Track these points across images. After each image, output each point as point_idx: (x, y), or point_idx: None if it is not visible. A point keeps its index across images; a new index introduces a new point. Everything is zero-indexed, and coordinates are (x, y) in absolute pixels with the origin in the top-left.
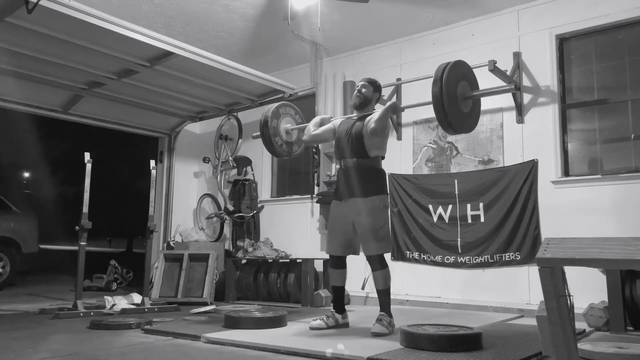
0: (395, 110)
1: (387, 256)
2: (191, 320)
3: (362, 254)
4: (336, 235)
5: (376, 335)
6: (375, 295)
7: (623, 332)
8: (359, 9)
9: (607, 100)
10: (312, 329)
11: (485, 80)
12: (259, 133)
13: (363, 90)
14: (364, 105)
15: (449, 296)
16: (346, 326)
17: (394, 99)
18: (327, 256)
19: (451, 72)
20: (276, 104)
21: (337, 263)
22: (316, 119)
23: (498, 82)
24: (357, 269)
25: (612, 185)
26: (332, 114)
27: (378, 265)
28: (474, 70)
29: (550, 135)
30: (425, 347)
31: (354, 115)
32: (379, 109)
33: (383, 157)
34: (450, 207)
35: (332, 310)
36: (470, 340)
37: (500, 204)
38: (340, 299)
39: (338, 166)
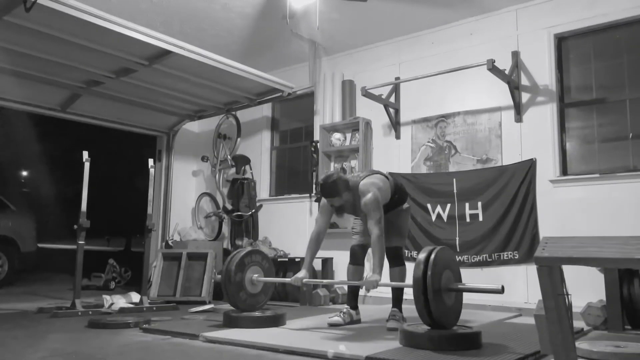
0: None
1: None
2: (190, 319)
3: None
4: (357, 226)
5: (392, 330)
6: (373, 294)
7: (621, 330)
8: (358, 8)
9: (605, 100)
10: (330, 325)
11: (484, 79)
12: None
13: (335, 205)
14: (345, 208)
15: None
16: (359, 322)
17: (375, 277)
18: (326, 255)
19: (438, 257)
20: (241, 253)
21: (356, 257)
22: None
23: (497, 81)
24: None
25: (610, 184)
26: (330, 113)
27: (397, 261)
28: (472, 69)
29: (549, 134)
30: (424, 346)
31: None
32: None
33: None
34: (448, 206)
35: (347, 306)
36: (468, 339)
37: (499, 203)
38: (355, 296)
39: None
